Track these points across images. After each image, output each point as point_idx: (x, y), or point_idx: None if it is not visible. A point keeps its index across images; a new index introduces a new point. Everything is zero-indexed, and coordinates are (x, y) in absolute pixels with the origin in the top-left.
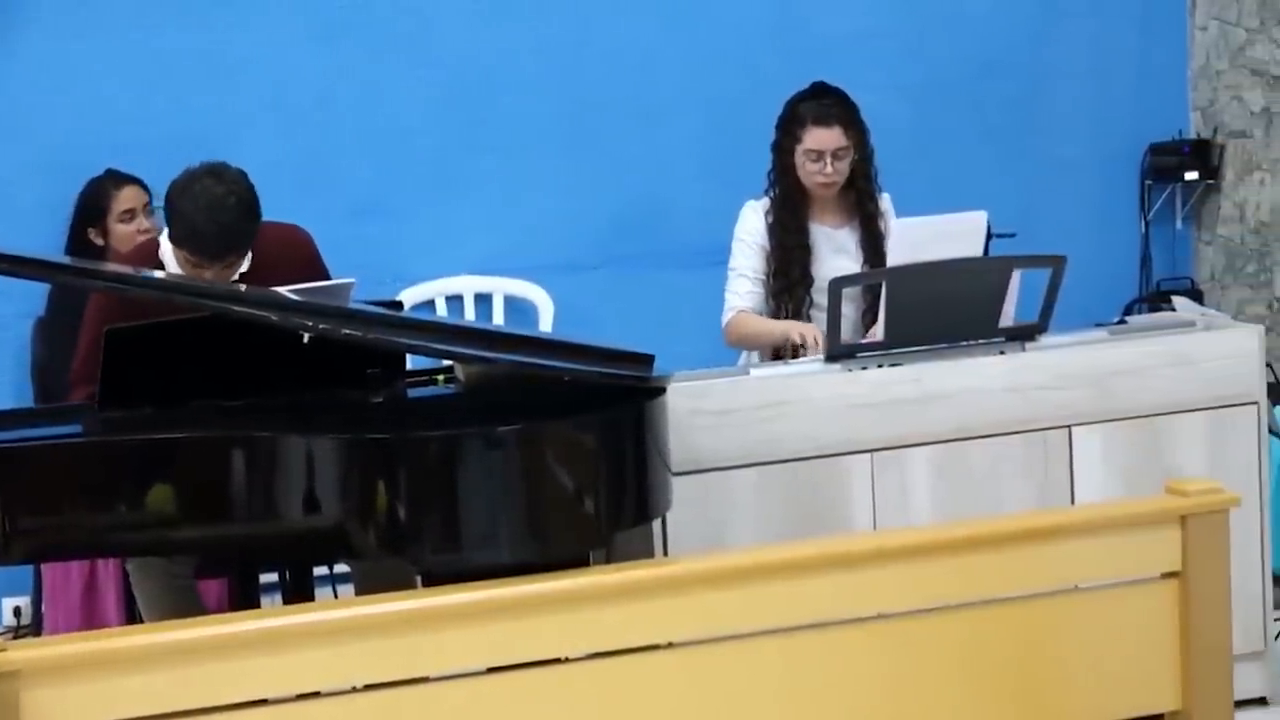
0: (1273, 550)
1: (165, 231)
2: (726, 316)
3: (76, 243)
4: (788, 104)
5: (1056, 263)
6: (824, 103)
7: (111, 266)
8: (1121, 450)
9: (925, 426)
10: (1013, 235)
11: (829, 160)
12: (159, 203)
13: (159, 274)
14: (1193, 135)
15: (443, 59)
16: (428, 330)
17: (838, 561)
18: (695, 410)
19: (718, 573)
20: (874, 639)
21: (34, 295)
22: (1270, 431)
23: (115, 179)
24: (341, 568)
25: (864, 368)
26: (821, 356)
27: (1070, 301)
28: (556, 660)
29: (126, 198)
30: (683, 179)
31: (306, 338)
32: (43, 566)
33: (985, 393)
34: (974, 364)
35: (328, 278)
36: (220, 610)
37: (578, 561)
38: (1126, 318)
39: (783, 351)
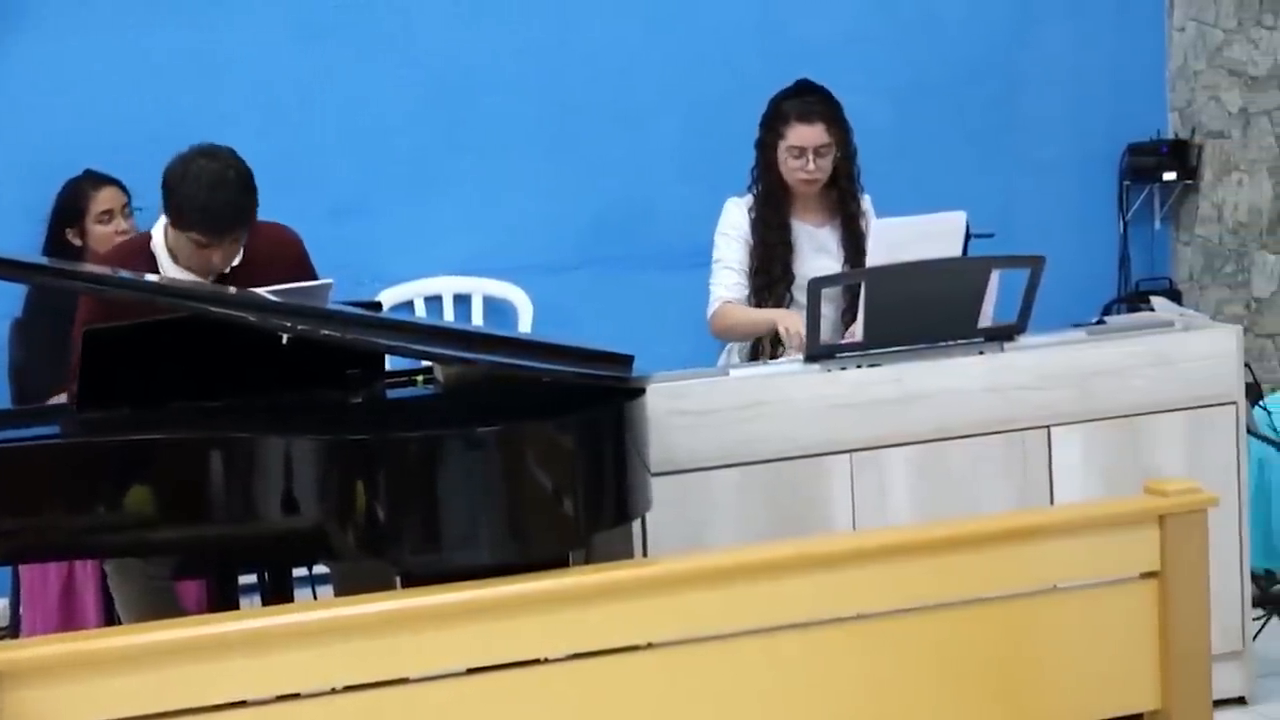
0: (1251, 550)
1: (158, 223)
2: (712, 307)
3: (54, 243)
4: (771, 101)
5: (1035, 263)
6: (807, 100)
7: (89, 267)
8: (1100, 450)
9: (905, 427)
10: (991, 235)
11: (811, 157)
12: (138, 203)
13: (135, 275)
14: (1171, 136)
15: (424, 59)
16: (407, 331)
17: (817, 562)
18: (675, 411)
19: (697, 573)
20: (854, 639)
21: (11, 296)
22: (1248, 431)
23: (93, 180)
24: (321, 569)
25: (843, 368)
26: (801, 357)
27: (1049, 302)
28: (537, 661)
29: (105, 199)
30: (663, 180)
31: (285, 338)
32: (21, 568)
33: (964, 393)
34: (953, 364)
35: (316, 279)
36: (199, 611)
37: (557, 562)
38: (1105, 318)
39: (761, 349)
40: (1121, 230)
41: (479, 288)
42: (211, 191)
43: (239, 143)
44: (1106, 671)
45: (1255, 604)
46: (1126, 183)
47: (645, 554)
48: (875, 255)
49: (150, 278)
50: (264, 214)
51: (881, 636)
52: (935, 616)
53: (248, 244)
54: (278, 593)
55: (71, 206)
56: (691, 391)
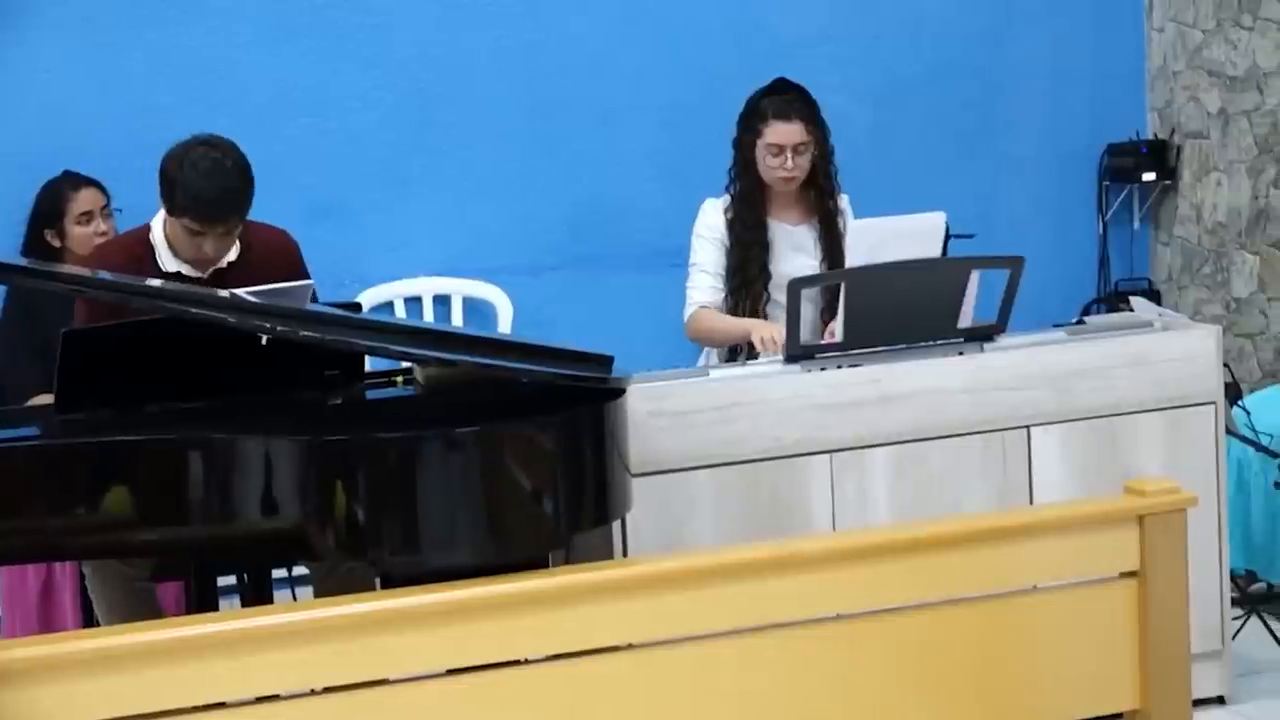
0: (1230, 550)
1: (158, 215)
2: (688, 311)
3: (33, 245)
4: (749, 100)
5: (1014, 263)
6: (785, 98)
7: (68, 268)
8: (1080, 450)
9: (884, 427)
10: (971, 236)
11: (790, 155)
12: (117, 204)
13: (115, 276)
14: (1150, 136)
15: (401, 60)
16: (386, 332)
17: (797, 562)
18: (654, 411)
19: (677, 574)
20: (834, 639)
21: None
22: (1227, 431)
23: (72, 181)
24: (300, 570)
25: (823, 368)
26: (780, 357)
27: (1028, 302)
28: (517, 662)
29: (84, 199)
30: (640, 181)
31: (265, 340)
32: None
33: (944, 393)
34: (933, 365)
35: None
36: (178, 613)
37: (537, 563)
38: (1084, 318)
39: (739, 350)
40: (1101, 230)
41: (458, 288)
42: (209, 179)
43: None
44: (1086, 671)
45: (1235, 604)
46: (1106, 183)
47: (625, 555)
48: (855, 256)
49: (130, 279)
50: None
51: (861, 637)
52: (915, 617)
53: (245, 246)
54: (257, 594)
55: (50, 208)
56: (671, 392)
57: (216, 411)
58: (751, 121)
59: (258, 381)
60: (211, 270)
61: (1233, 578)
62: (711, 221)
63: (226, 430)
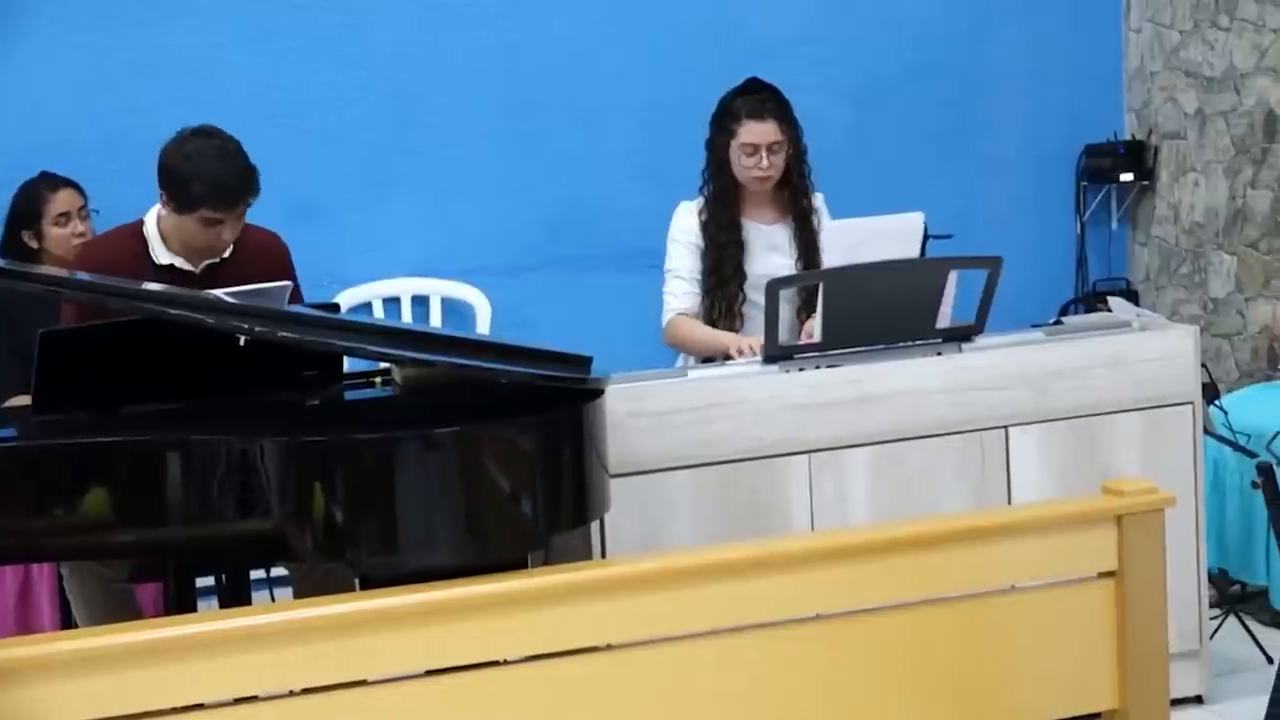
0: (1208, 550)
1: (151, 211)
2: (666, 318)
3: (10, 246)
4: (722, 100)
5: (993, 264)
6: (758, 97)
7: (46, 269)
8: (1058, 450)
9: (863, 427)
10: (950, 236)
11: (765, 154)
12: (95, 205)
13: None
14: (1127, 137)
15: (379, 61)
16: (364, 332)
17: (776, 562)
18: (633, 412)
19: (656, 574)
20: (812, 640)
21: None
22: (1205, 431)
23: (50, 182)
24: (279, 571)
25: (801, 369)
26: (759, 358)
27: (1007, 302)
28: (495, 663)
29: (62, 201)
30: (618, 181)
31: (243, 340)
32: None
33: (922, 393)
34: (911, 365)
35: (298, 289)
36: (156, 614)
37: (516, 564)
38: (1063, 318)
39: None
40: (1079, 231)
41: (437, 289)
42: (222, 163)
43: None
44: (1064, 671)
45: (1212, 604)
46: (1084, 183)
47: (604, 555)
48: (833, 256)
49: (107, 280)
50: None
51: (840, 637)
52: (893, 617)
53: (237, 244)
54: (235, 595)
55: (28, 209)
56: (650, 393)
57: (194, 412)
58: (725, 122)
59: (236, 382)
60: (204, 265)
61: (1210, 578)
62: (685, 225)
63: (204, 431)
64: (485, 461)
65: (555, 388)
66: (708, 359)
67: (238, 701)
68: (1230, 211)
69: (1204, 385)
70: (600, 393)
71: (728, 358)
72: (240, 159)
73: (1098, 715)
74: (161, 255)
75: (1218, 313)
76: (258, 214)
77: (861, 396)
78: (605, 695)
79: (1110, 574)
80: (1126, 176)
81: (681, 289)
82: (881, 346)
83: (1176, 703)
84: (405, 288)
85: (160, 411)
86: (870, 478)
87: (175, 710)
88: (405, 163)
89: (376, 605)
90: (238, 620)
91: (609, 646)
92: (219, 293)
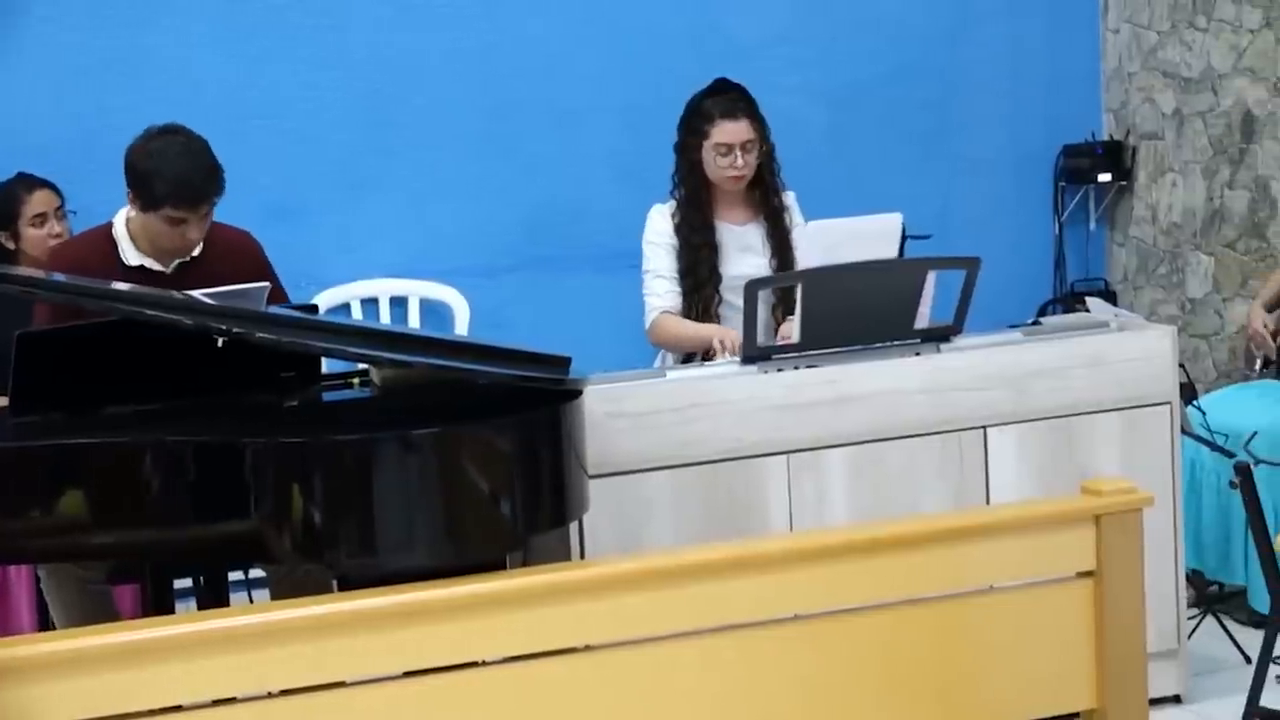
0: (1186, 550)
1: (120, 213)
2: (650, 318)
3: None
4: (690, 103)
5: (971, 264)
6: (729, 97)
7: (21, 270)
8: (1036, 450)
9: (841, 427)
10: (928, 237)
11: (739, 153)
12: (72, 205)
13: (69, 279)
14: (1105, 137)
15: (355, 62)
16: (343, 333)
17: (754, 563)
18: (612, 413)
19: (635, 575)
20: (791, 640)
21: None
22: (1183, 431)
23: (26, 182)
24: (257, 572)
25: (780, 369)
26: (738, 359)
27: (985, 303)
28: (473, 664)
29: (38, 201)
30: (597, 182)
31: (221, 341)
32: None
33: (901, 394)
34: (890, 365)
35: (282, 287)
36: (134, 615)
37: (494, 565)
38: (1041, 319)
39: (695, 353)
40: (1057, 231)
41: (415, 290)
42: (187, 160)
43: None
44: (1043, 671)
45: (1190, 604)
46: (1061, 184)
47: (582, 556)
48: (811, 257)
49: (84, 281)
50: None
51: (819, 637)
52: (872, 617)
53: (208, 243)
54: (213, 596)
55: (4, 210)
56: (628, 393)
57: (171, 414)
58: (696, 123)
59: (213, 383)
60: (175, 265)
61: (1188, 578)
62: (660, 227)
63: (181, 432)
64: (463, 462)
65: (534, 388)
66: (687, 358)
67: (216, 703)
68: (1208, 212)
69: (1182, 385)
70: (579, 393)
71: (708, 355)
72: (205, 157)
73: (1076, 715)
74: (131, 256)
75: (1195, 313)
76: (235, 214)
77: (840, 397)
78: (584, 696)
79: (1089, 574)
80: (1104, 177)
81: (663, 288)
82: (860, 347)
83: (1155, 702)
84: (383, 289)
85: (137, 413)
86: (849, 478)
87: (153, 712)
88: (383, 163)
89: (355, 606)
90: (216, 622)
91: (588, 647)
92: (197, 293)
